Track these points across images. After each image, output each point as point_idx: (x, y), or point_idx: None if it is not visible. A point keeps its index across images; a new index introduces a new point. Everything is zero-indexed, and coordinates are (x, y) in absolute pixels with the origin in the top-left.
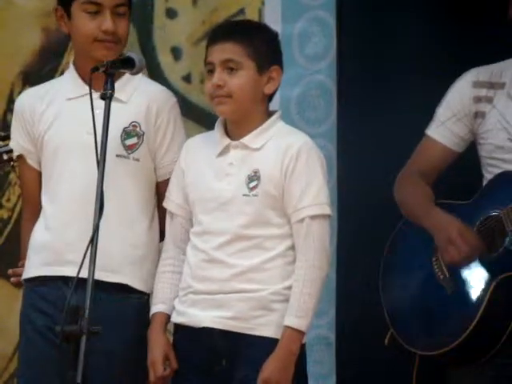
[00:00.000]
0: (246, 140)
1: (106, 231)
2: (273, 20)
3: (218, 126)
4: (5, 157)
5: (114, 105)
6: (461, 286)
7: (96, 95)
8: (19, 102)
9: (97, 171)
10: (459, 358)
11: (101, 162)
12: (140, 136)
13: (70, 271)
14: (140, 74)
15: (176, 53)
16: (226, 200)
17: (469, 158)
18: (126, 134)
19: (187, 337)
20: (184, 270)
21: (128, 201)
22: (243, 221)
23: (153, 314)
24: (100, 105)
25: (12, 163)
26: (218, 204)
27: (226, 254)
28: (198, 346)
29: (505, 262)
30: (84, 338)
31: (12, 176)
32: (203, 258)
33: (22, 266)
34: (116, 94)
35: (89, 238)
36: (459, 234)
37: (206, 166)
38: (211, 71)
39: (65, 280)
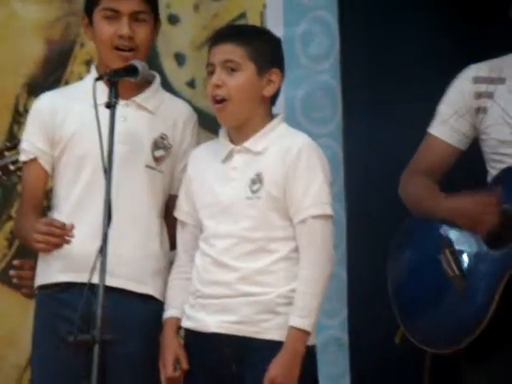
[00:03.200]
0: (248, 144)
1: (132, 242)
2: (275, 23)
3: (222, 132)
4: (11, 167)
5: (143, 114)
6: (471, 281)
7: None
8: (39, 103)
9: (128, 182)
10: (472, 354)
11: (108, 172)
12: (167, 149)
13: (93, 279)
14: (159, 86)
15: (179, 58)
16: (229, 203)
17: (472, 153)
18: (156, 145)
19: (197, 341)
20: (193, 274)
21: (152, 212)
22: (247, 223)
23: (165, 319)
24: (124, 113)
25: (18, 173)
26: (222, 208)
27: (230, 257)
28: (207, 350)
29: None
30: (97, 347)
31: (20, 187)
32: (209, 262)
33: (20, 266)
34: (145, 104)
35: (119, 245)
36: (479, 211)
37: (211, 173)
38: (212, 72)
39: (90, 286)
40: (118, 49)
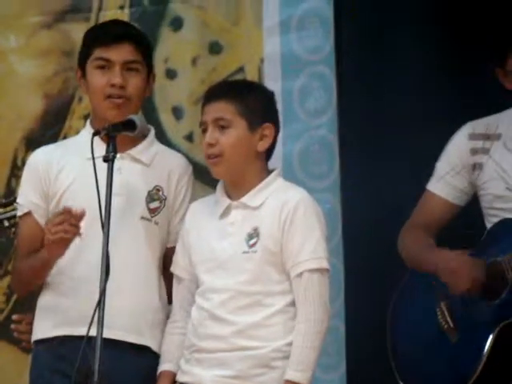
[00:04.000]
0: (245, 199)
1: (130, 293)
2: (273, 77)
3: (219, 187)
4: (6, 223)
5: (137, 167)
6: (464, 334)
7: (100, 158)
8: (34, 157)
9: (124, 234)
10: None
11: (105, 225)
12: (162, 201)
13: (93, 331)
14: (154, 139)
15: (177, 113)
16: (226, 258)
17: (472, 210)
18: (151, 197)
19: None
20: (188, 328)
21: (148, 264)
22: (243, 277)
23: (160, 373)
24: (119, 166)
25: (13, 230)
26: (219, 263)
27: (227, 311)
28: None
29: (506, 309)
30: None
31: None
32: (205, 316)
33: (19, 320)
34: (139, 156)
35: (117, 297)
36: (460, 263)
37: (208, 228)
38: (205, 130)
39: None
40: (110, 97)
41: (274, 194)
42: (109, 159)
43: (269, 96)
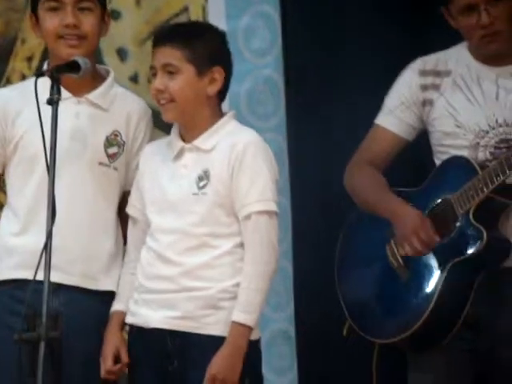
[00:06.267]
0: (197, 142)
1: (86, 239)
2: (217, 16)
3: (174, 130)
4: None
5: (95, 111)
6: (415, 272)
7: (43, 101)
8: None
9: (80, 180)
10: (417, 344)
11: (51, 168)
12: (121, 146)
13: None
14: (114, 82)
15: (122, 54)
16: (175, 199)
17: (421, 147)
18: (109, 142)
19: (140, 337)
20: (137, 269)
21: (107, 209)
22: (192, 219)
23: (111, 313)
24: (77, 110)
25: None
26: (169, 204)
27: (174, 252)
28: (150, 346)
29: (457, 247)
30: (42, 344)
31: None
32: (154, 256)
33: None
34: (98, 101)
35: (73, 243)
36: (420, 226)
37: (161, 170)
38: (155, 75)
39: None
40: (63, 38)
41: (226, 138)
42: (53, 102)
43: (219, 38)
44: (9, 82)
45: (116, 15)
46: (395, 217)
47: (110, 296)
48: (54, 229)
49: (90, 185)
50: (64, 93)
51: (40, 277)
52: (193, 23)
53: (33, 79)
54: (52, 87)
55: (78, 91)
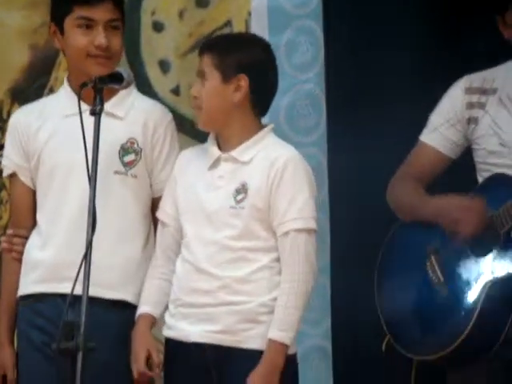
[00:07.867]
0: (234, 153)
1: (106, 248)
2: (259, 31)
3: (211, 138)
4: None
5: (111, 121)
6: (455, 288)
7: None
8: (14, 118)
9: (101, 188)
10: (457, 361)
11: (92, 179)
12: (138, 153)
13: (67, 288)
14: (135, 90)
15: (164, 66)
16: (212, 211)
17: (465, 164)
18: (124, 150)
19: (178, 349)
20: (173, 281)
21: (127, 217)
22: (230, 232)
23: (138, 315)
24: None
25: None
26: (205, 215)
27: (211, 265)
28: (188, 359)
29: (497, 264)
30: (80, 354)
31: (3, 193)
32: (190, 269)
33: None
34: (113, 110)
35: (93, 257)
36: (463, 210)
37: (196, 178)
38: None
39: (63, 297)
40: (93, 56)
41: (264, 151)
42: (96, 112)
43: (256, 48)
44: (51, 91)
45: (159, 27)
46: (438, 213)
47: (131, 307)
48: (71, 241)
49: (106, 194)
50: (83, 105)
51: (62, 289)
52: (235, 34)
53: (53, 95)
54: (95, 98)
55: (90, 101)
